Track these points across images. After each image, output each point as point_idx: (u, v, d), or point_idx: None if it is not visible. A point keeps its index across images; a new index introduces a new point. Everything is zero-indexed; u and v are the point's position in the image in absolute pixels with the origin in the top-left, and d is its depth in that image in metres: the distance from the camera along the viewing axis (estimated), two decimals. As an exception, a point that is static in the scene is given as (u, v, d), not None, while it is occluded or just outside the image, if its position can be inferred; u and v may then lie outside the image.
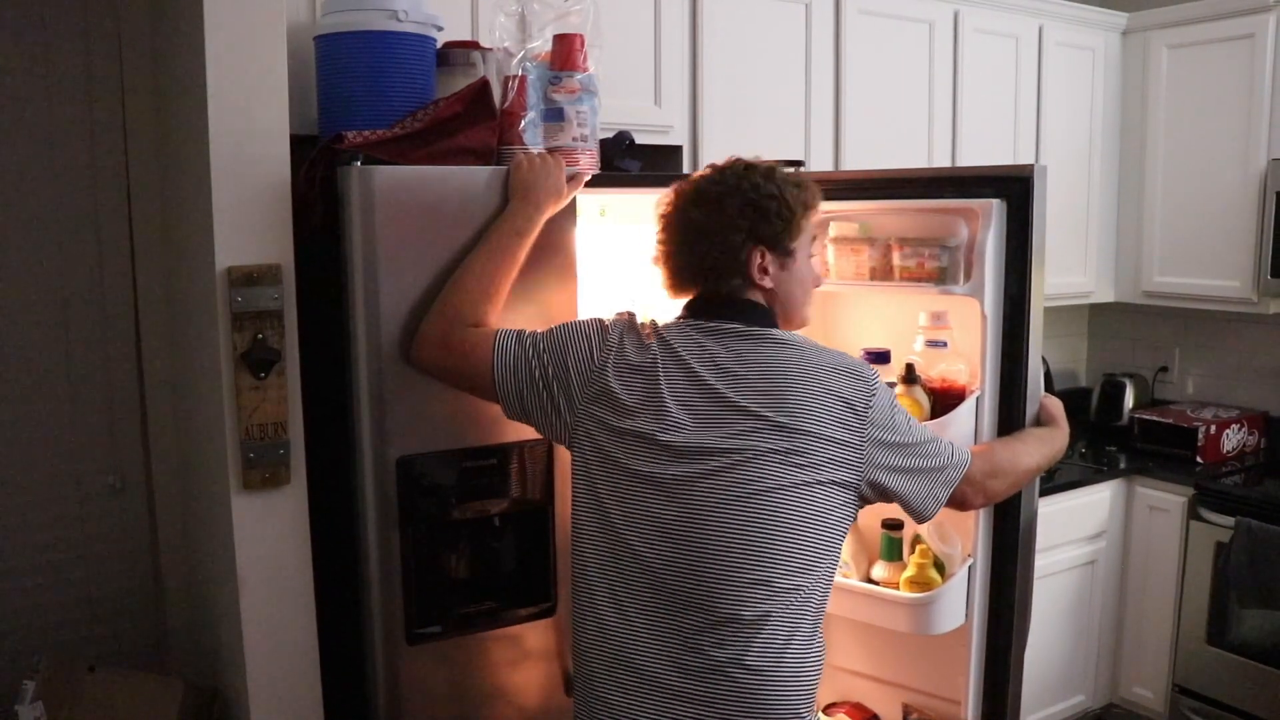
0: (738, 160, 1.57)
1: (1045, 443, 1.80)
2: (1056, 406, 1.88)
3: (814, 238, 1.62)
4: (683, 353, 1.50)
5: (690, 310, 1.58)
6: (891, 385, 1.97)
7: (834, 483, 1.46)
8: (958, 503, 1.62)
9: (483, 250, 1.65)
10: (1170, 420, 3.39)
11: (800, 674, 1.45)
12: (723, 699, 1.41)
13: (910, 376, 1.96)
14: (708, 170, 1.58)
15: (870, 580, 2.06)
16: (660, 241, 1.60)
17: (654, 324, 1.58)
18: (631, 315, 1.60)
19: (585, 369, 1.53)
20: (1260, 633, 2.95)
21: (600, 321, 1.59)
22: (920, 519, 1.59)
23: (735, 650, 1.41)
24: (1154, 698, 3.25)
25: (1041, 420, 1.86)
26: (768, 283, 1.54)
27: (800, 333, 1.60)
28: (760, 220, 1.52)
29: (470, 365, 1.59)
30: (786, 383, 1.46)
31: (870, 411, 1.48)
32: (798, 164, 2.05)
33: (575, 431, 1.54)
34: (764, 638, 1.42)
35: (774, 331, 1.53)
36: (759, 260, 1.52)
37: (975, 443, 1.87)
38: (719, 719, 1.41)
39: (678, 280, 1.59)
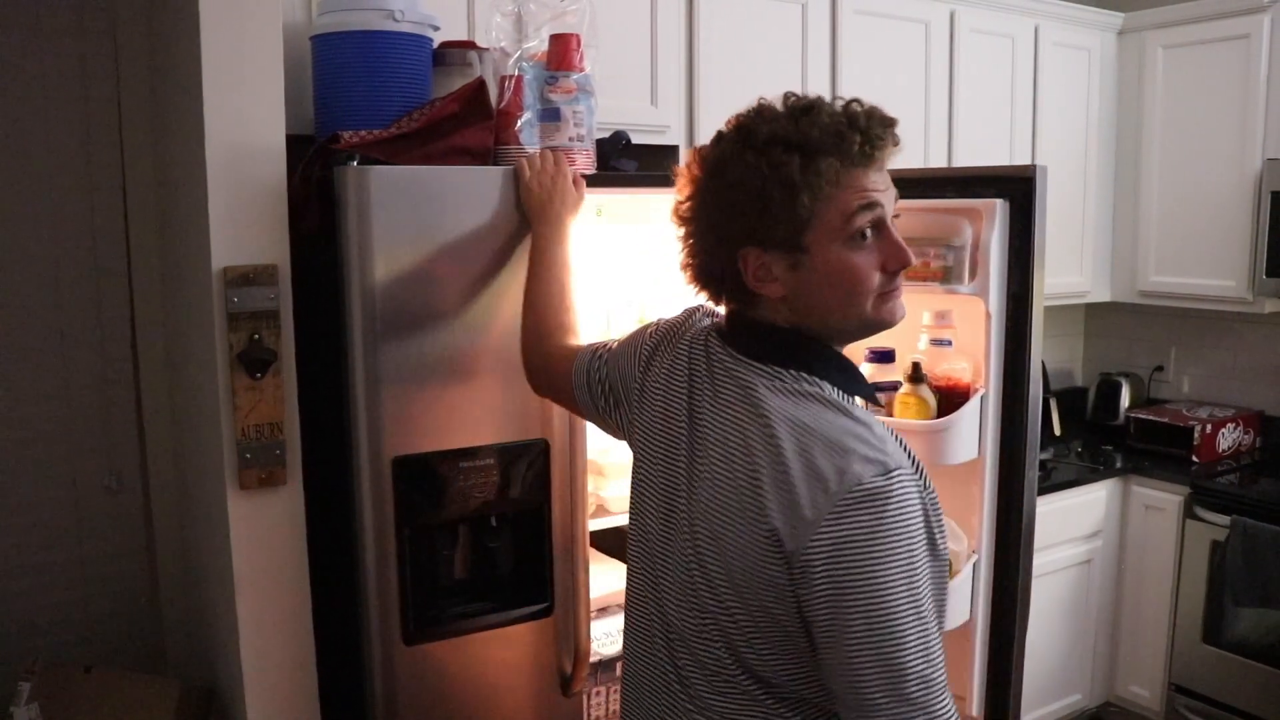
0: (745, 115, 1.19)
1: None
2: None
3: (855, 213, 1.12)
4: (695, 390, 1.24)
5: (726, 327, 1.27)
6: (897, 384, 1.98)
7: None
8: None
9: (530, 282, 1.62)
10: (1166, 419, 3.40)
11: None
12: None
13: (916, 375, 1.97)
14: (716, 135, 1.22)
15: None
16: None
17: (693, 337, 1.30)
18: (686, 316, 1.35)
19: (631, 383, 1.35)
20: (1256, 631, 2.96)
21: (646, 330, 1.38)
22: None
23: None
24: (1150, 696, 3.25)
25: None
26: (775, 290, 1.16)
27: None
28: (745, 214, 1.14)
29: (564, 398, 1.52)
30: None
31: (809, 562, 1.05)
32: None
33: (634, 452, 1.35)
34: None
35: (763, 389, 1.16)
36: (754, 265, 1.16)
37: (982, 440, 1.89)
38: None
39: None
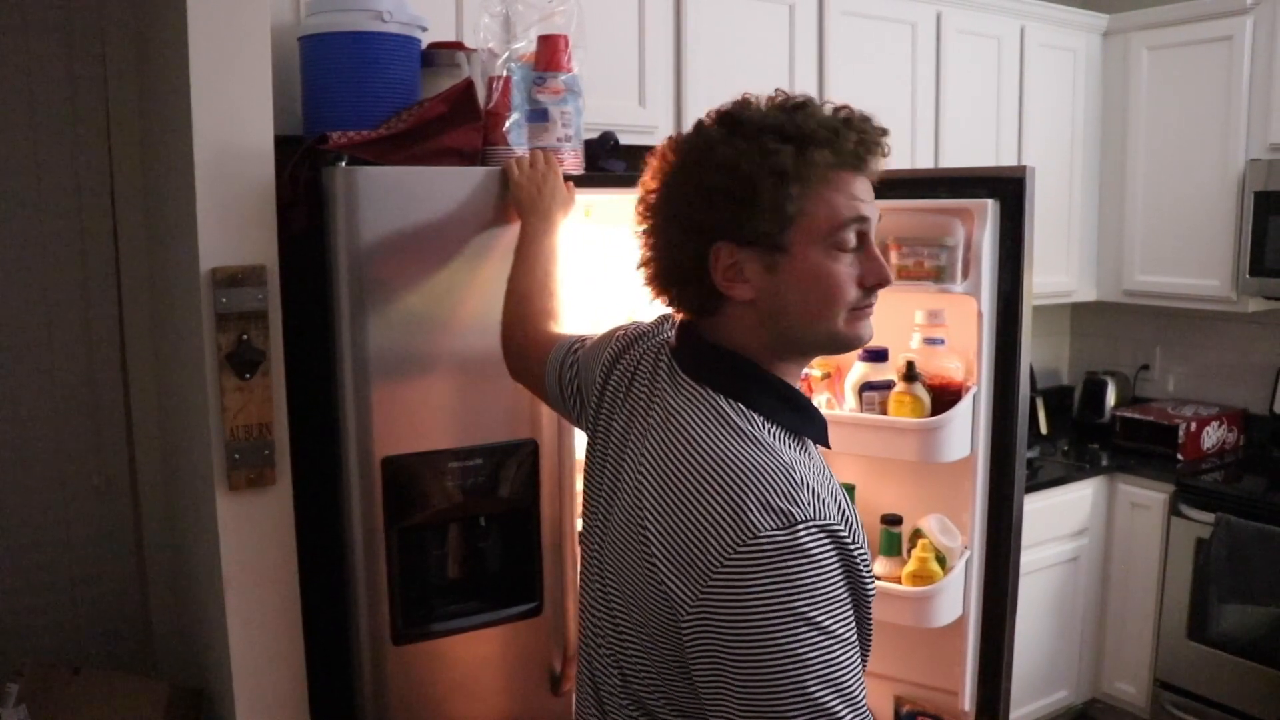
0: (732, 105, 1.15)
1: None
2: None
3: (844, 223, 1.05)
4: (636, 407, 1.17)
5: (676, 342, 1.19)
6: (891, 383, 1.99)
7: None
8: None
9: (515, 267, 1.61)
10: (1151, 418, 3.42)
11: None
12: None
13: (911, 374, 1.98)
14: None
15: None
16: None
17: (654, 347, 1.23)
18: (657, 324, 1.29)
19: (591, 385, 1.29)
20: (1240, 628, 2.98)
21: (615, 332, 1.33)
22: None
23: None
24: (1136, 692, 3.28)
25: None
26: (744, 292, 1.07)
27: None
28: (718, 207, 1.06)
29: (533, 384, 1.51)
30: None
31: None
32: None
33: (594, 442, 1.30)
34: None
35: (687, 416, 1.07)
36: (725, 262, 1.06)
37: (974, 437, 1.91)
38: None
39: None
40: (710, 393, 1.07)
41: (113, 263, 2.20)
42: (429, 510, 1.71)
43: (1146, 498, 3.22)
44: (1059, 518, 3.18)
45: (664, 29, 2.49)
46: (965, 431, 1.92)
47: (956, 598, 1.96)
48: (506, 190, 1.71)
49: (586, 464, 1.28)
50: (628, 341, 1.28)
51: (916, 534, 2.03)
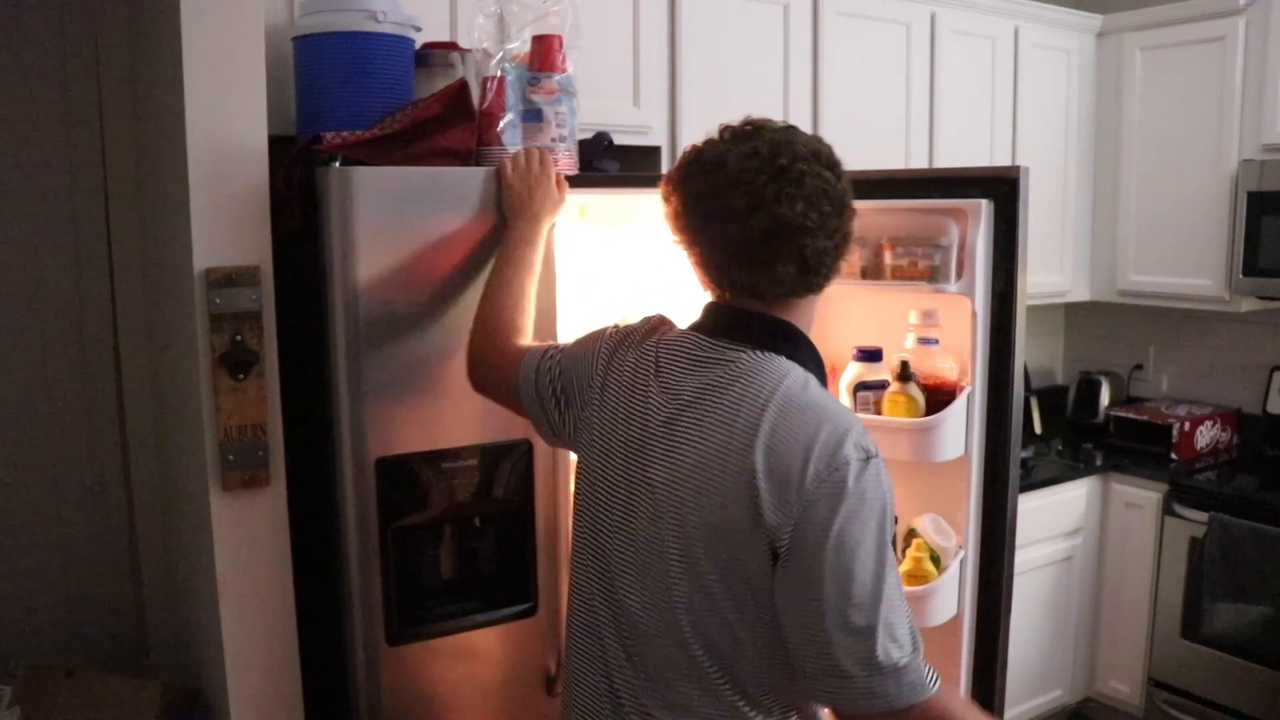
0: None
1: None
2: None
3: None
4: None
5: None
6: (885, 383, 2.00)
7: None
8: None
9: (496, 273, 1.63)
10: (1145, 417, 3.43)
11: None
12: None
13: (905, 374, 1.99)
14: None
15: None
16: None
17: (662, 338, 1.35)
18: (649, 322, 1.41)
19: (584, 387, 1.39)
20: (1233, 626, 2.99)
21: (604, 333, 1.43)
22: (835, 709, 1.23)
23: None
24: (1130, 691, 3.28)
25: None
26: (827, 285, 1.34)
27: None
28: None
29: (504, 391, 1.54)
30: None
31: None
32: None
33: (579, 452, 1.41)
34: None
35: (761, 373, 1.26)
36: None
37: (969, 437, 1.92)
38: None
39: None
40: (780, 359, 1.25)
41: (106, 263, 2.19)
42: (423, 511, 1.70)
43: (1140, 497, 3.22)
44: (1053, 517, 3.18)
45: (658, 29, 2.49)
46: (959, 431, 1.93)
47: (951, 597, 1.96)
48: (500, 189, 1.71)
49: (594, 455, 1.36)
50: (620, 338, 1.39)
51: (911, 534, 2.03)
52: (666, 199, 1.32)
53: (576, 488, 1.41)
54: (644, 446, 1.28)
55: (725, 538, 1.19)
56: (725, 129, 1.27)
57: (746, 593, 1.20)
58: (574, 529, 1.41)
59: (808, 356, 1.28)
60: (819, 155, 1.25)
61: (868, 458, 1.18)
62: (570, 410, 1.41)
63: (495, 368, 1.55)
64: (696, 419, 1.24)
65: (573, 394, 1.41)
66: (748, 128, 1.26)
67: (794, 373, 1.24)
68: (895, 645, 1.16)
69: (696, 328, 1.33)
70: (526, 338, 1.59)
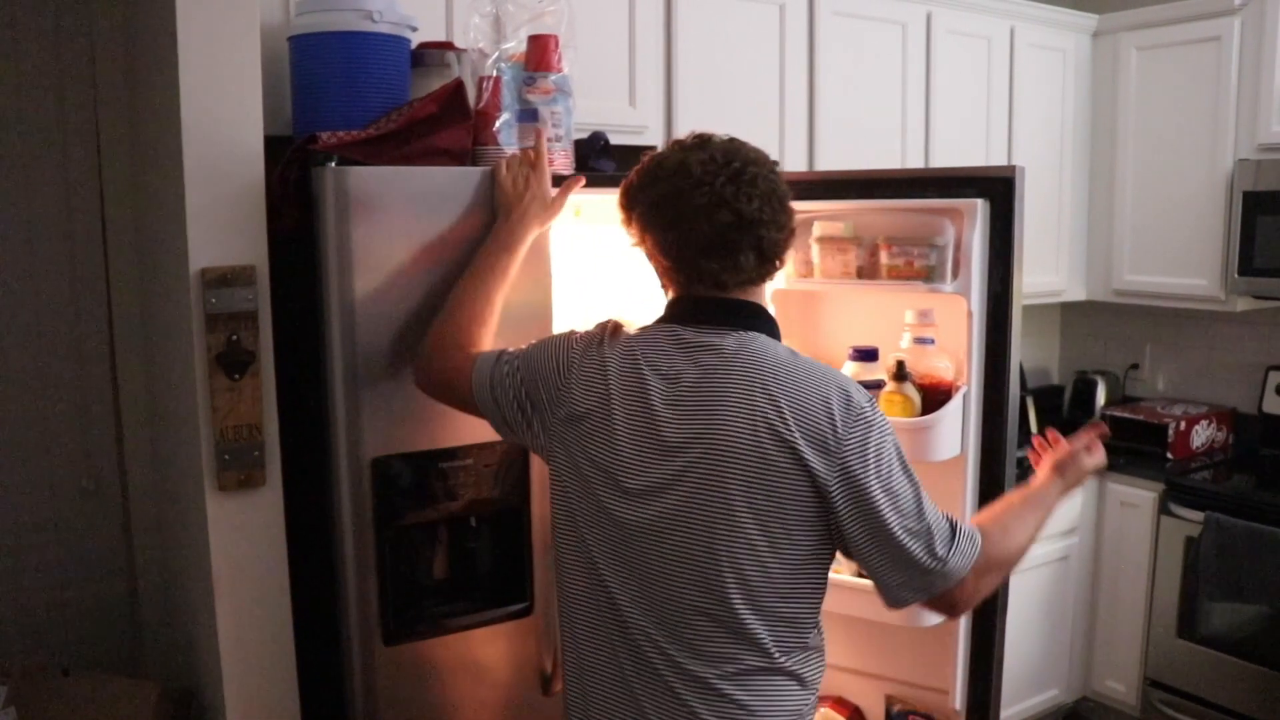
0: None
1: (1038, 507, 1.62)
2: (1060, 453, 1.72)
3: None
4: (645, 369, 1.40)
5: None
6: (881, 383, 2.00)
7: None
8: (947, 606, 1.43)
9: (469, 274, 1.64)
10: (1141, 417, 3.44)
11: (790, 697, 1.39)
12: None
13: (901, 373, 1.99)
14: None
15: (862, 575, 2.07)
16: None
17: (623, 334, 1.47)
18: (605, 326, 1.50)
19: (553, 389, 1.46)
20: (1229, 626, 3.00)
21: (571, 335, 1.51)
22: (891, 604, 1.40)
23: (711, 695, 1.35)
24: (1126, 691, 3.29)
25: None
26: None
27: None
28: None
29: (455, 393, 1.58)
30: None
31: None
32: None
33: (553, 454, 1.47)
34: (742, 677, 1.36)
35: (750, 347, 1.41)
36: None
37: (965, 437, 1.92)
38: None
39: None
40: (760, 335, 1.40)
41: (102, 263, 2.19)
42: (419, 511, 1.71)
43: (1136, 496, 3.23)
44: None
45: (654, 29, 2.49)
46: (955, 431, 1.93)
47: (947, 596, 1.97)
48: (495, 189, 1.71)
49: (577, 455, 1.42)
50: (586, 343, 1.47)
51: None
52: (629, 206, 1.45)
53: (558, 484, 1.46)
54: (652, 425, 1.37)
55: (770, 493, 1.32)
56: (675, 142, 1.44)
57: (780, 530, 1.33)
58: (557, 526, 1.47)
59: (775, 330, 1.44)
60: (763, 161, 1.42)
61: (869, 399, 1.37)
62: (538, 414, 1.48)
63: (448, 369, 1.59)
64: (710, 394, 1.35)
65: (539, 399, 1.47)
66: (697, 139, 1.42)
67: (776, 345, 1.40)
68: (942, 533, 1.36)
69: (669, 319, 1.44)
70: (483, 347, 1.61)
